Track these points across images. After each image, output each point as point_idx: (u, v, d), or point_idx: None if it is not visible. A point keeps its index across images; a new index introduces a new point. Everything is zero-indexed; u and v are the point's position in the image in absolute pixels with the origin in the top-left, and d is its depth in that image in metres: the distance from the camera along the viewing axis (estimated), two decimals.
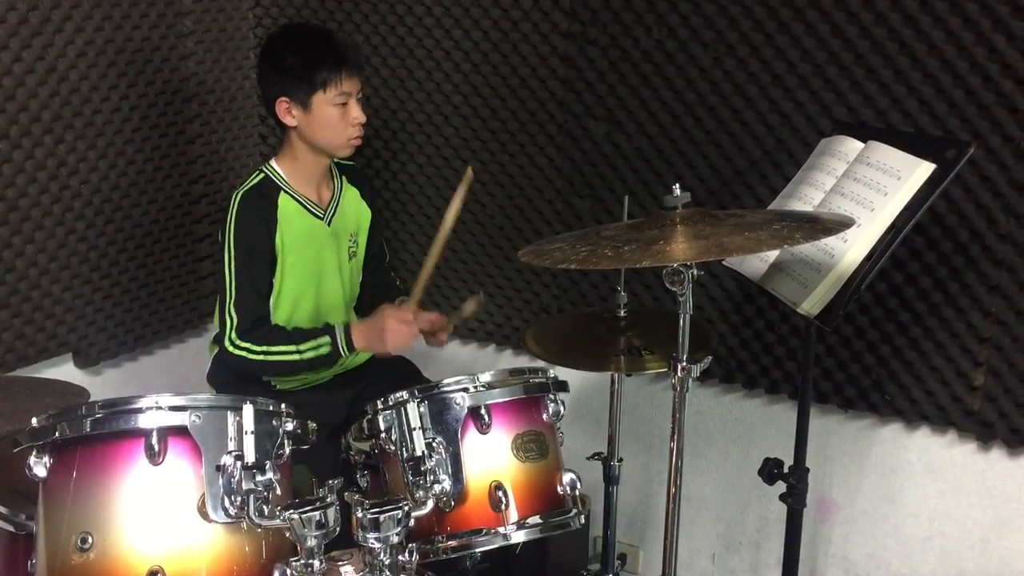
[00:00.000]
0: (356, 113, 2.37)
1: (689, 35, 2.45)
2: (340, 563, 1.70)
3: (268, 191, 2.40)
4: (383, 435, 1.89)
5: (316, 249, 2.47)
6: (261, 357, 2.31)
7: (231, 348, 2.31)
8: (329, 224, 2.49)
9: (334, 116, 2.35)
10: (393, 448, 1.88)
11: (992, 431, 2.32)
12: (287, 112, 2.36)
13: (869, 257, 1.91)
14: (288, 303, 2.43)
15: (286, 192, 2.41)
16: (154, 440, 1.59)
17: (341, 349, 2.31)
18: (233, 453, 1.62)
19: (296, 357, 2.31)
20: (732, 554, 2.81)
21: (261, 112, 3.11)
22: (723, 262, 2.26)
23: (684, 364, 1.79)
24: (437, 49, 2.81)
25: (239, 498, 1.60)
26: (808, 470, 2.19)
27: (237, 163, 3.09)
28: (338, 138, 2.39)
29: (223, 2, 2.96)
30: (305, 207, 2.44)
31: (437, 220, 2.89)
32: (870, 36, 2.25)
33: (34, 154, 2.52)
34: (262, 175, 2.43)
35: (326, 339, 2.31)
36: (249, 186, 2.40)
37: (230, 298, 2.33)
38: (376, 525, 1.62)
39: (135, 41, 2.72)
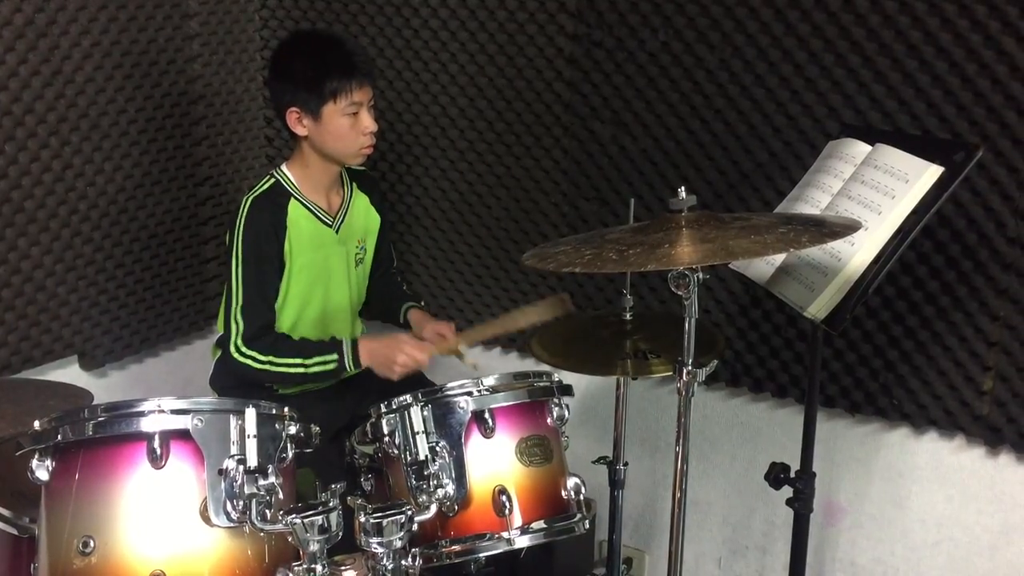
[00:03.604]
0: (367, 122, 2.36)
1: (695, 37, 2.44)
2: (343, 568, 1.69)
3: (278, 197, 2.39)
4: (386, 439, 1.89)
5: (323, 255, 2.47)
6: (266, 367, 2.31)
7: (236, 355, 2.31)
8: (337, 231, 2.48)
9: (344, 126, 2.34)
10: (396, 452, 1.88)
11: (1000, 436, 2.30)
12: (298, 122, 2.35)
13: (876, 261, 1.89)
14: (294, 308, 2.43)
15: (296, 199, 2.40)
16: (156, 444, 1.59)
17: (347, 365, 2.32)
18: (235, 457, 1.62)
19: (302, 371, 2.32)
20: (738, 559, 2.80)
21: (267, 114, 3.10)
22: (729, 265, 2.24)
23: (689, 368, 1.77)
24: (442, 51, 2.80)
25: (241, 502, 1.60)
26: (815, 475, 2.18)
27: (243, 165, 3.09)
28: (349, 147, 2.38)
29: (229, 4, 2.96)
30: (314, 214, 2.43)
31: (448, 227, 2.91)
32: (878, 38, 2.24)
33: (40, 156, 2.52)
34: (272, 180, 2.42)
35: (333, 356, 2.32)
36: (259, 191, 2.39)
37: (237, 303, 2.32)
38: (379, 530, 1.62)
39: (141, 43, 2.72)
